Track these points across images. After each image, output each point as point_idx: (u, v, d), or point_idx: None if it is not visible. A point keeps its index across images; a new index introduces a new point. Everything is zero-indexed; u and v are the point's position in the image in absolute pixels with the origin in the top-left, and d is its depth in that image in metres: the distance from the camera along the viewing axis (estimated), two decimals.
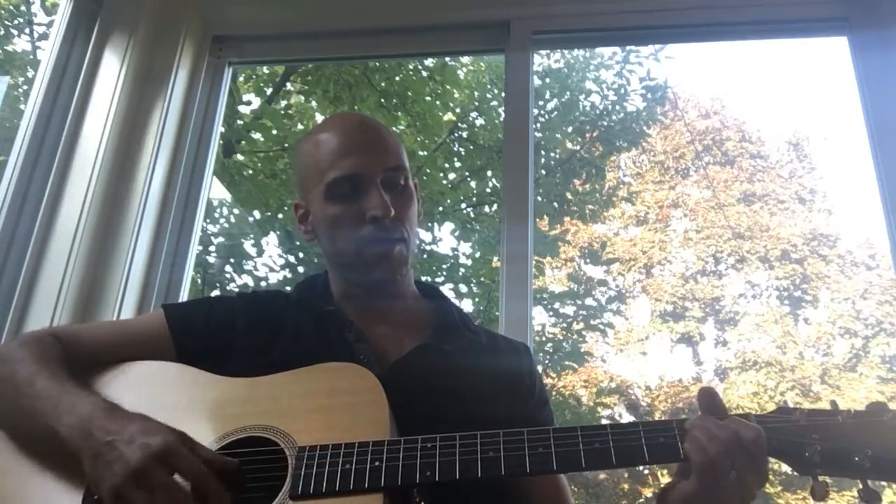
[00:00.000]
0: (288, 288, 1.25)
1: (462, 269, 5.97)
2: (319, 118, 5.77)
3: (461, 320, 1.18)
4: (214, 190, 5.11)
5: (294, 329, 1.10)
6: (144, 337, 1.11)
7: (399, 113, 5.79)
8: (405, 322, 1.15)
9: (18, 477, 0.96)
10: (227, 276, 5.37)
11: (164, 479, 0.82)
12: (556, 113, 6.97)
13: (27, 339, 1.07)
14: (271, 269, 5.45)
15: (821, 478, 0.82)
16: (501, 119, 4.64)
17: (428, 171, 5.77)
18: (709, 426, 0.84)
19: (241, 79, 5.62)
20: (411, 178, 1.17)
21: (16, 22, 4.80)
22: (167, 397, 1.02)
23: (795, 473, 0.84)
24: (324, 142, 1.13)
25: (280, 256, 5.53)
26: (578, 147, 7.19)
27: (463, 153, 6.33)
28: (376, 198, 1.07)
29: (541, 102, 6.76)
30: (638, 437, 0.86)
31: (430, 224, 5.72)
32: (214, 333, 1.11)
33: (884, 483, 0.85)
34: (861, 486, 0.82)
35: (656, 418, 8.65)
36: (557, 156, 7.07)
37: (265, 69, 5.69)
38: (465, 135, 6.37)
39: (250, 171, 5.60)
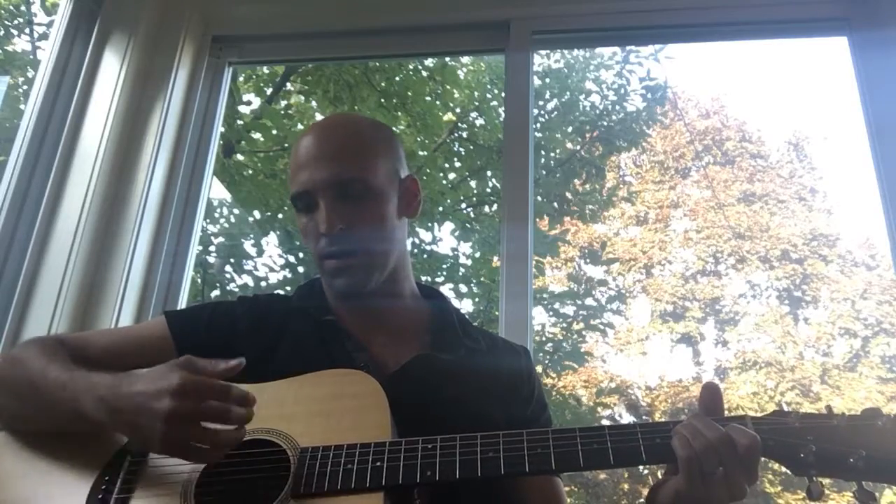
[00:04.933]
0: (288, 288, 1.25)
1: (462, 269, 5.97)
2: (319, 118, 5.74)
3: (460, 324, 1.18)
4: (214, 190, 5.11)
5: (294, 337, 1.11)
6: (146, 343, 1.12)
7: (399, 113, 5.79)
8: (404, 328, 1.15)
9: (22, 479, 0.97)
10: (227, 276, 5.37)
11: (195, 408, 0.86)
12: (556, 113, 6.97)
13: (32, 341, 1.10)
14: (271, 269, 5.44)
15: (816, 478, 0.83)
16: (501, 119, 4.64)
17: (428, 171, 5.77)
18: (696, 424, 0.86)
19: (241, 79, 5.62)
20: (384, 182, 1.13)
21: (16, 22, 4.80)
22: None
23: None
24: (295, 152, 1.15)
25: (280, 256, 5.54)
26: (578, 147, 7.19)
27: (463, 153, 6.32)
28: (322, 213, 1.09)
29: (541, 102, 6.76)
30: (635, 437, 0.88)
31: (430, 224, 5.72)
32: (216, 339, 1.11)
33: (885, 485, 0.85)
34: (856, 487, 0.83)
35: (656, 418, 8.66)
36: (557, 156, 7.06)
37: (265, 69, 5.69)
38: (465, 135, 6.37)
39: (250, 171, 5.59)
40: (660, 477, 0.98)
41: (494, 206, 6.17)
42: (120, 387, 0.91)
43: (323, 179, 1.09)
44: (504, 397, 1.10)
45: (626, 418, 8.87)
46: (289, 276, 5.39)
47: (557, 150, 7.05)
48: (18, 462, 0.99)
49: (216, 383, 0.89)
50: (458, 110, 6.34)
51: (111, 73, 1.98)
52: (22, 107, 2.05)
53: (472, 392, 1.07)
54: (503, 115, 2.09)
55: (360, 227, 1.10)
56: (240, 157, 5.64)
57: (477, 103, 6.32)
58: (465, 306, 5.81)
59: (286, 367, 1.03)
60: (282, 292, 1.26)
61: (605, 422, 8.49)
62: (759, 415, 0.90)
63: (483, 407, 1.05)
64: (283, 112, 5.89)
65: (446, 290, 5.59)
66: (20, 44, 4.87)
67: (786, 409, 0.90)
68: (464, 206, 6.32)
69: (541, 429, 0.91)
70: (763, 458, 0.86)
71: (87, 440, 0.98)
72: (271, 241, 5.56)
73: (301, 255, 5.38)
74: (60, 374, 0.97)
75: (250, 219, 5.50)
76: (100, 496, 0.92)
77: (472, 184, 6.41)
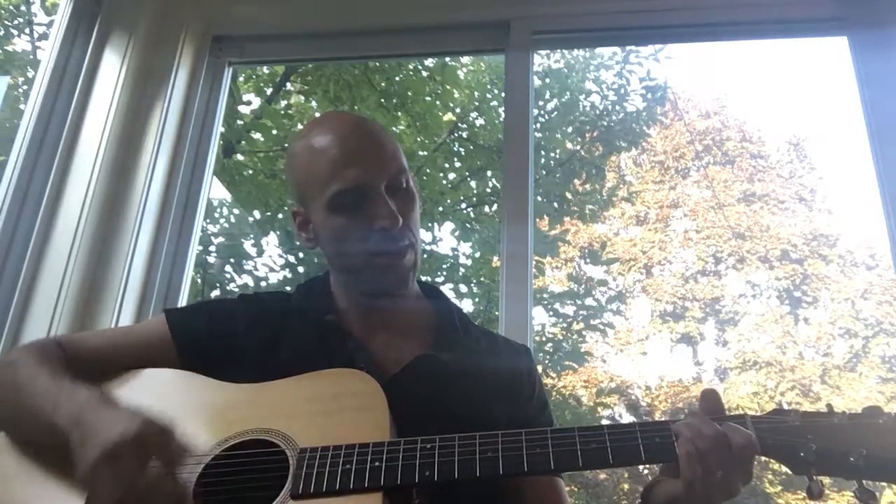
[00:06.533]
0: (288, 288, 1.25)
1: (462, 269, 5.97)
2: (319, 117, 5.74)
3: (461, 323, 1.18)
4: (214, 190, 5.11)
5: (294, 336, 1.10)
6: (147, 342, 1.12)
7: (399, 113, 5.79)
8: (406, 326, 1.14)
9: (21, 482, 0.97)
10: (227, 276, 5.37)
11: (134, 467, 0.83)
12: (556, 113, 6.97)
13: (30, 345, 1.09)
14: (271, 269, 5.45)
15: (817, 477, 0.83)
16: (501, 119, 4.64)
17: (428, 171, 5.77)
18: (697, 423, 0.86)
19: (241, 79, 5.62)
20: (410, 176, 1.16)
21: (16, 22, 4.80)
22: (170, 403, 1.02)
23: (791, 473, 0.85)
24: (321, 150, 1.08)
25: (280, 256, 5.54)
26: (578, 147, 7.19)
27: (463, 153, 6.32)
28: (384, 207, 1.05)
29: (541, 102, 6.75)
30: (634, 437, 0.87)
31: (430, 224, 5.72)
32: (216, 337, 1.10)
33: (883, 483, 0.85)
34: (857, 486, 0.82)
35: (656, 418, 8.65)
36: (557, 156, 7.06)
37: (265, 69, 5.69)
38: (465, 135, 6.37)
39: (250, 171, 5.59)
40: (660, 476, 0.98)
41: (494, 206, 6.17)
42: (95, 405, 0.90)
43: (379, 172, 1.06)
44: (505, 397, 1.10)
45: (626, 418, 8.87)
46: (289, 276, 5.39)
47: (557, 150, 7.05)
48: (17, 464, 0.99)
49: (173, 447, 0.87)
50: (458, 110, 6.34)
51: (111, 73, 1.97)
52: (22, 107, 2.05)
53: (472, 393, 1.06)
54: (503, 115, 2.09)
55: (410, 221, 1.09)
56: (240, 157, 5.64)
57: (477, 103, 6.32)
58: (465, 306, 5.81)
59: (286, 367, 1.02)
60: (286, 290, 1.25)
61: (605, 422, 8.49)
62: (758, 414, 0.89)
63: (484, 407, 1.05)
64: (283, 112, 5.89)
65: (446, 290, 5.57)
66: (20, 44, 4.88)
67: (786, 407, 0.89)
68: (464, 206, 6.33)
69: (540, 428, 0.90)
70: (763, 458, 0.86)
71: None
72: (271, 241, 5.57)
73: (301, 254, 5.38)
74: (47, 383, 0.96)
75: (250, 219, 5.50)
76: None
77: (472, 184, 6.42)
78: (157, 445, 0.85)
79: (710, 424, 0.85)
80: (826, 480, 0.84)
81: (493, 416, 1.03)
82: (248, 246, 5.48)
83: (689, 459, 0.84)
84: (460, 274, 5.92)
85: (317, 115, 5.84)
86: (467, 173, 6.37)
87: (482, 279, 5.79)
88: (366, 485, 0.86)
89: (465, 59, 6.17)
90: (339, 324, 1.12)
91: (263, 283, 5.36)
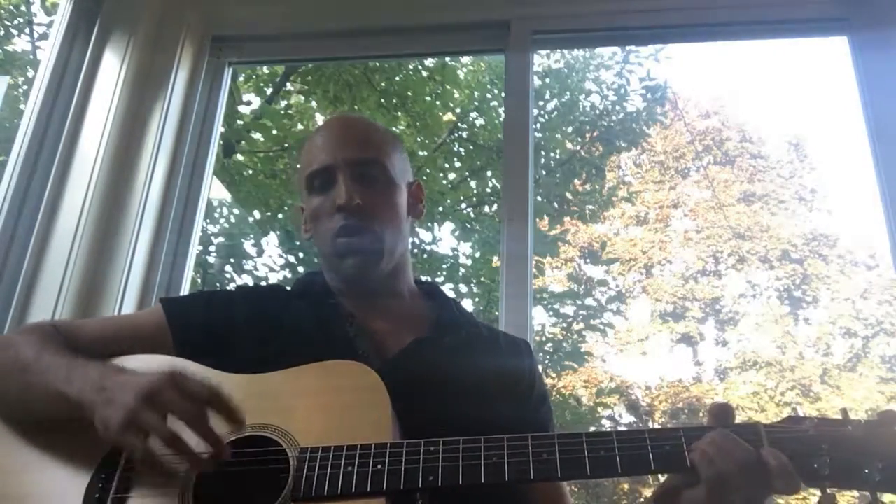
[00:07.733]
0: (287, 288, 1.25)
1: (462, 269, 5.97)
2: (319, 118, 5.78)
3: (461, 315, 1.19)
4: (214, 190, 5.11)
5: (294, 322, 1.10)
6: (143, 331, 1.11)
7: (399, 113, 5.79)
8: (405, 317, 1.16)
9: (18, 475, 0.96)
10: (227, 276, 5.37)
11: (177, 397, 0.84)
12: (556, 113, 6.97)
13: (27, 327, 1.10)
14: (271, 269, 5.45)
15: (829, 490, 0.79)
16: (501, 119, 4.64)
17: (428, 171, 5.77)
18: (719, 440, 0.82)
19: (241, 79, 5.62)
20: (398, 175, 1.18)
21: (16, 22, 4.80)
22: None
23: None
24: (311, 141, 1.20)
25: (280, 256, 5.54)
26: (578, 147, 7.19)
27: (463, 153, 6.33)
28: (341, 187, 1.11)
29: (541, 102, 6.76)
30: (644, 444, 0.84)
31: (430, 224, 5.72)
32: (213, 327, 1.10)
33: None
34: (871, 499, 0.79)
35: (656, 418, 8.65)
36: (557, 156, 7.06)
37: (265, 69, 5.69)
38: (465, 135, 6.37)
39: (250, 171, 5.60)
40: (661, 477, 0.96)
41: (494, 206, 6.18)
42: (114, 372, 0.91)
43: (345, 156, 1.13)
44: (504, 388, 1.10)
45: (627, 418, 8.88)
46: (289, 275, 5.39)
47: (557, 150, 7.05)
48: (14, 456, 0.97)
49: (211, 385, 0.87)
50: (458, 110, 6.34)
51: (111, 73, 1.97)
52: (22, 107, 2.04)
53: (471, 378, 1.07)
54: (503, 115, 2.09)
55: (376, 209, 1.13)
56: (240, 157, 5.65)
57: (477, 103, 6.33)
58: (465, 306, 5.80)
59: (286, 352, 1.01)
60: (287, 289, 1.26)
61: (606, 422, 8.49)
62: (771, 423, 0.85)
63: (482, 394, 1.05)
64: (283, 112, 5.89)
65: (446, 290, 5.58)
66: (20, 44, 4.88)
67: (800, 413, 0.85)
68: (464, 206, 6.33)
69: (546, 433, 0.88)
70: None
71: (83, 434, 0.96)
72: (271, 241, 5.57)
73: (301, 254, 5.38)
74: (55, 360, 0.96)
75: (250, 219, 5.50)
76: (97, 495, 0.91)
77: (472, 184, 6.42)
78: (190, 378, 0.86)
79: (742, 447, 0.81)
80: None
81: (492, 406, 1.03)
82: (248, 246, 5.48)
83: (712, 471, 0.80)
84: (460, 274, 5.93)
85: (317, 115, 5.86)
86: (467, 173, 6.37)
87: (482, 279, 5.79)
88: (368, 489, 0.85)
89: (465, 59, 6.17)
90: (341, 308, 1.13)
91: (263, 284, 5.35)
